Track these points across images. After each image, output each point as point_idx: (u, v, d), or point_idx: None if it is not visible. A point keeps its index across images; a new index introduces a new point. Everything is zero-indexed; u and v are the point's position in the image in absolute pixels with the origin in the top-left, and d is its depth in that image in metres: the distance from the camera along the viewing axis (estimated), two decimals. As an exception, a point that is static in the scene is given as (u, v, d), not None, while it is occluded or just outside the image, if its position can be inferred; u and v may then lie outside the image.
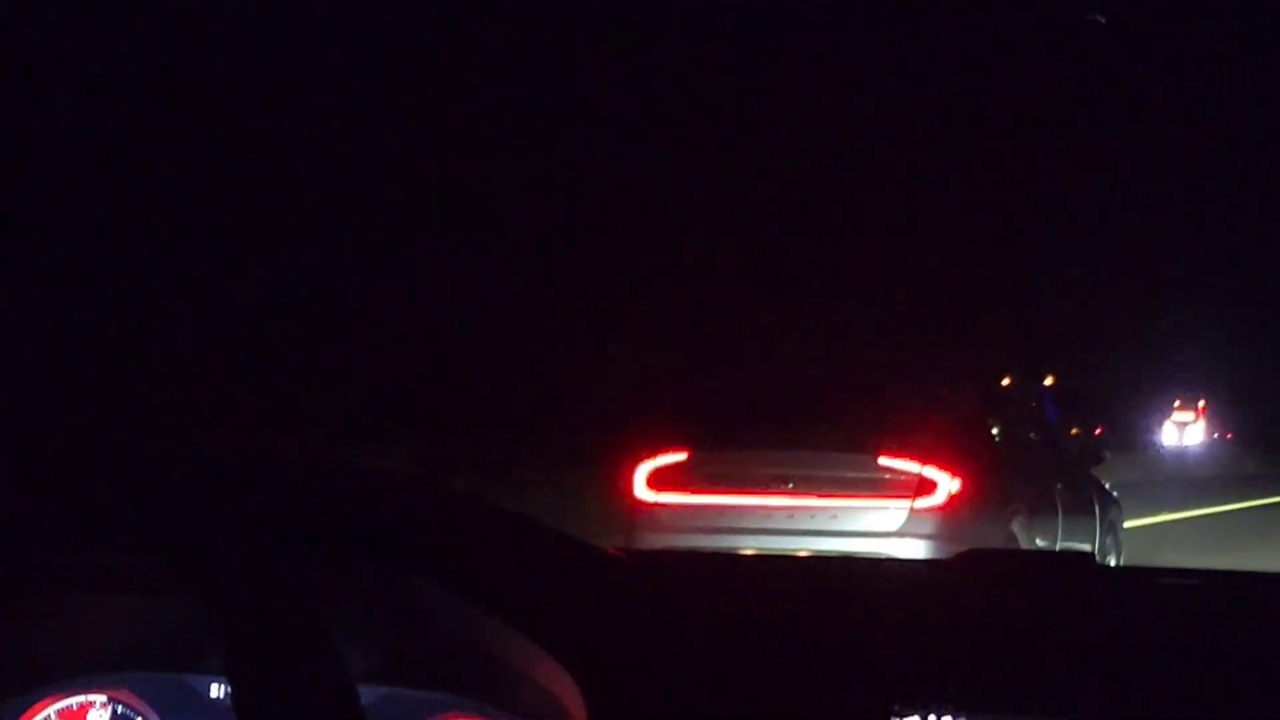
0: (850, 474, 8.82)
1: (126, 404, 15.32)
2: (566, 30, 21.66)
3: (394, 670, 1.72)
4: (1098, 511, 10.85)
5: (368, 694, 1.61)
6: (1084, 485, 10.89)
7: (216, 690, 1.82)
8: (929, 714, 1.47)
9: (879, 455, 8.80)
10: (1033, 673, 1.53)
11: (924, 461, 8.76)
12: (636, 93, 21.88)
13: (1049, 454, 10.66)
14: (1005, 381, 14.46)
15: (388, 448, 15.61)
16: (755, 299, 22.27)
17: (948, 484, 8.73)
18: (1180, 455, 32.96)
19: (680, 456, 9.10)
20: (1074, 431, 14.34)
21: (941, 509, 8.67)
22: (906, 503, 8.69)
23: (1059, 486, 10.07)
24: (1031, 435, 10.79)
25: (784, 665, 1.54)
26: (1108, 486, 11.66)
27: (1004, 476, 9.37)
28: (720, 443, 9.36)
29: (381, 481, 1.71)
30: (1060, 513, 9.92)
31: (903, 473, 8.76)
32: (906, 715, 1.47)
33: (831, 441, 9.07)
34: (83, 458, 1.60)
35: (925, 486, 8.72)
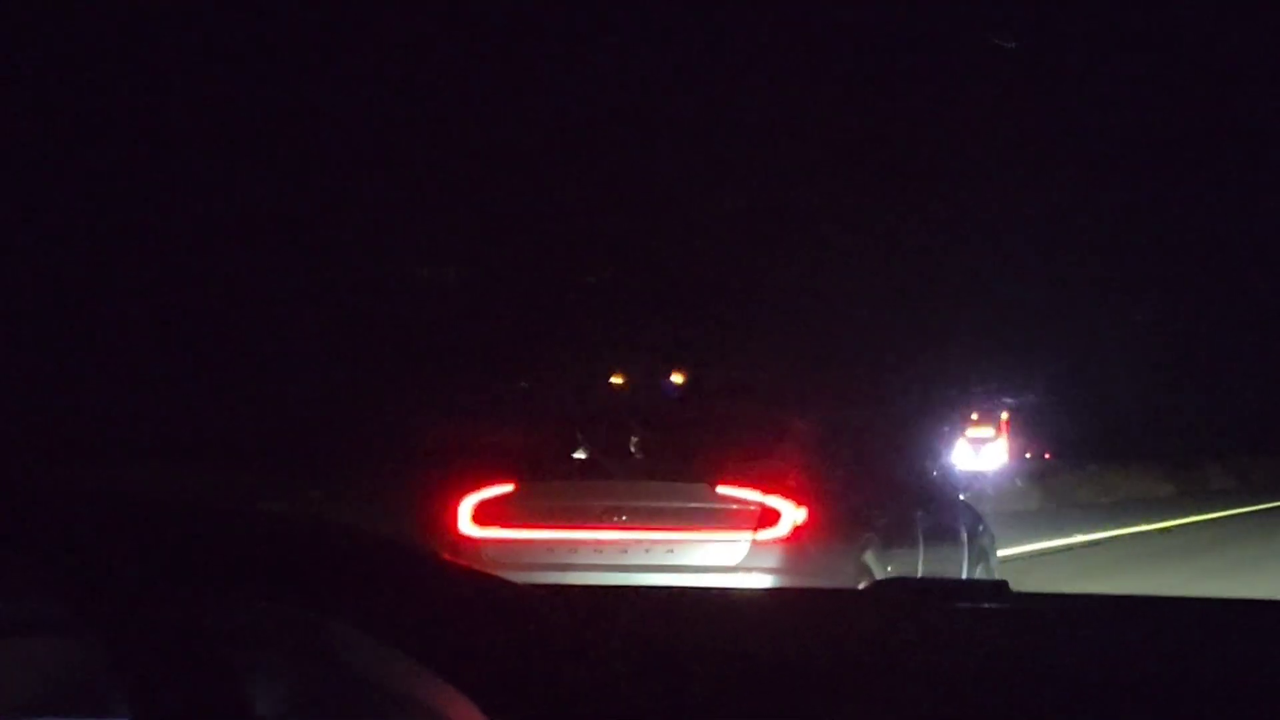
0: (686, 505, 8.38)
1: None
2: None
3: (299, 709, 1.69)
4: (965, 539, 10.42)
5: (273, 734, 1.58)
6: (951, 511, 10.48)
7: None
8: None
9: (717, 484, 8.40)
10: (951, 698, 1.53)
11: (767, 490, 8.37)
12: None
13: (911, 478, 10.27)
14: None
15: (183, 473, 15.07)
16: (586, 319, 21.83)
17: (792, 514, 8.34)
18: (974, 480, 30.25)
19: (506, 489, 8.72)
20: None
21: (785, 541, 8.29)
22: (748, 535, 8.28)
23: (920, 514, 9.67)
24: (892, 459, 10.32)
25: (692, 693, 1.53)
26: (980, 512, 11.34)
27: (856, 504, 9.02)
28: (548, 473, 8.98)
29: (284, 522, 1.69)
30: (921, 542, 9.54)
31: (743, 502, 8.36)
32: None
33: (667, 470, 8.65)
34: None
35: (768, 517, 8.32)
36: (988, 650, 1.66)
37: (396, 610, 1.60)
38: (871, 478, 9.52)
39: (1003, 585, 1.77)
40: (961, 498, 10.94)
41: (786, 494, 8.33)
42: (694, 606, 1.84)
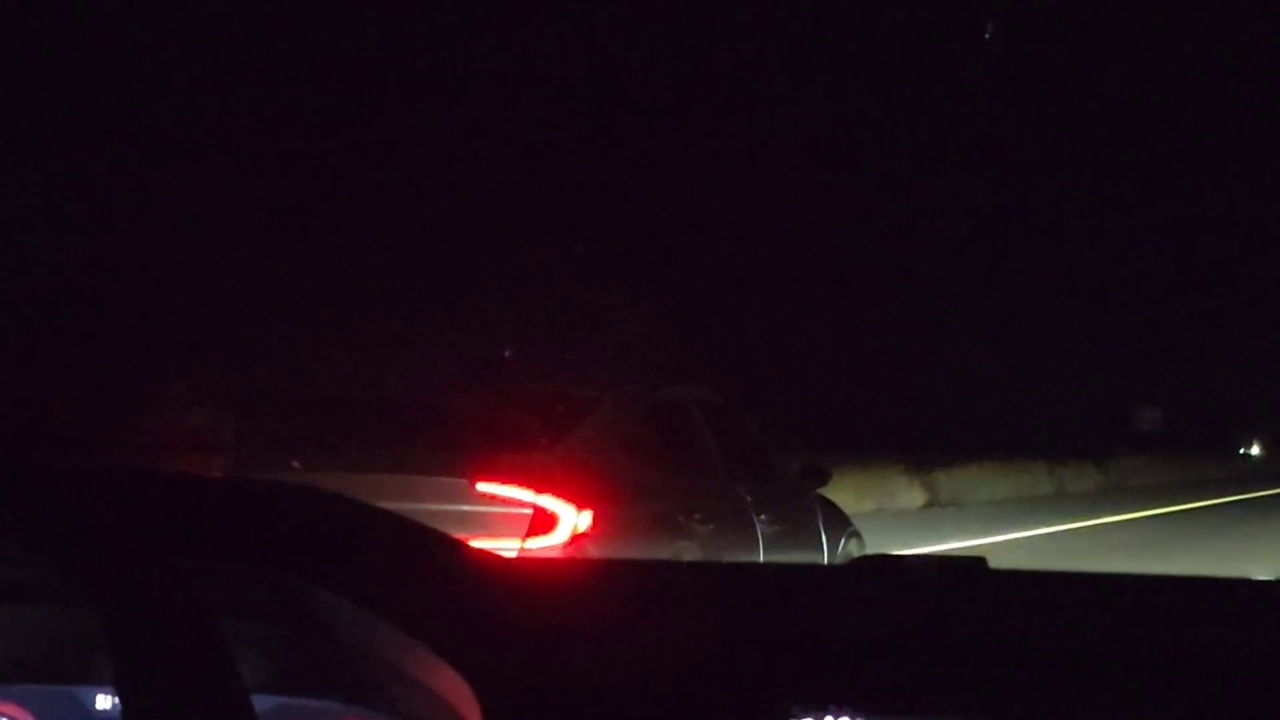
0: (439, 506, 6.77)
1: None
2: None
3: (288, 679, 1.72)
4: (825, 545, 9.16)
5: (261, 703, 1.61)
6: (806, 512, 9.17)
7: (103, 702, 1.81)
8: (827, 715, 1.50)
9: (477, 480, 6.91)
10: (929, 673, 1.57)
11: (540, 488, 6.91)
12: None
13: (748, 473, 8.74)
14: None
15: None
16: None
17: (573, 518, 6.91)
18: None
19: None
20: None
21: (563, 551, 6.84)
22: (514, 543, 6.78)
23: (763, 516, 8.34)
24: (720, 451, 8.63)
25: (678, 667, 1.56)
26: (843, 513, 10.01)
27: (665, 505, 7.58)
28: (275, 466, 7.32)
29: (277, 492, 1.71)
30: (762, 548, 8.26)
31: (510, 503, 6.90)
32: (804, 716, 1.49)
33: (417, 463, 7.09)
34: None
35: (541, 522, 6.87)
36: (966, 627, 1.70)
37: (386, 581, 1.63)
38: (689, 473, 8.17)
39: (980, 561, 1.81)
40: (821, 495, 9.57)
41: (566, 493, 6.89)
42: (675, 579, 1.88)
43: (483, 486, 6.89)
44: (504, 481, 6.90)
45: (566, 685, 1.56)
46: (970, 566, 1.81)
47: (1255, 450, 47.59)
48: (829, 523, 9.37)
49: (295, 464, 7.13)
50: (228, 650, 1.41)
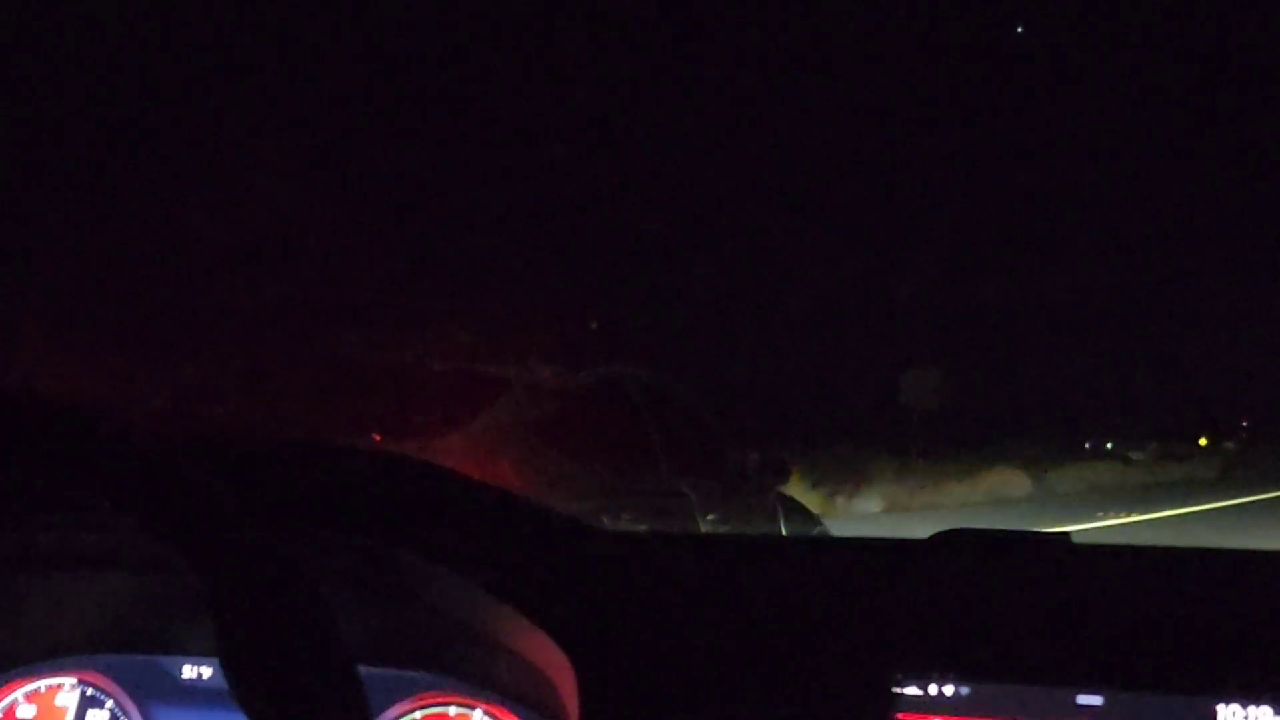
0: None
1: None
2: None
3: (386, 648, 1.74)
4: None
5: (360, 672, 1.62)
6: (764, 513, 8.33)
7: (190, 671, 1.84)
8: (930, 684, 1.51)
9: None
10: (1023, 642, 1.58)
11: None
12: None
13: (700, 468, 7.95)
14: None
15: None
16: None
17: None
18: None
19: None
20: None
21: None
22: None
23: (710, 517, 7.53)
24: (666, 441, 7.78)
25: (778, 640, 1.58)
26: (811, 513, 9.23)
27: (587, 505, 6.76)
28: None
29: (366, 457, 1.72)
30: None
31: None
32: (909, 685, 1.51)
33: None
34: (72, 432, 1.59)
35: None
36: (1054, 598, 1.71)
37: (483, 550, 1.64)
38: (620, 467, 7.48)
39: (1065, 537, 1.82)
40: (783, 494, 8.83)
41: None
42: (765, 554, 1.89)
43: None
44: None
45: (665, 657, 1.57)
46: (1056, 541, 1.82)
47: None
48: (792, 523, 8.48)
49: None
50: (332, 618, 1.42)
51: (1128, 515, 22.27)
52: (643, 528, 6.52)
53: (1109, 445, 37.24)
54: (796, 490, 9.47)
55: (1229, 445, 42.59)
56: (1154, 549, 1.83)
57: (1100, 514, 22.19)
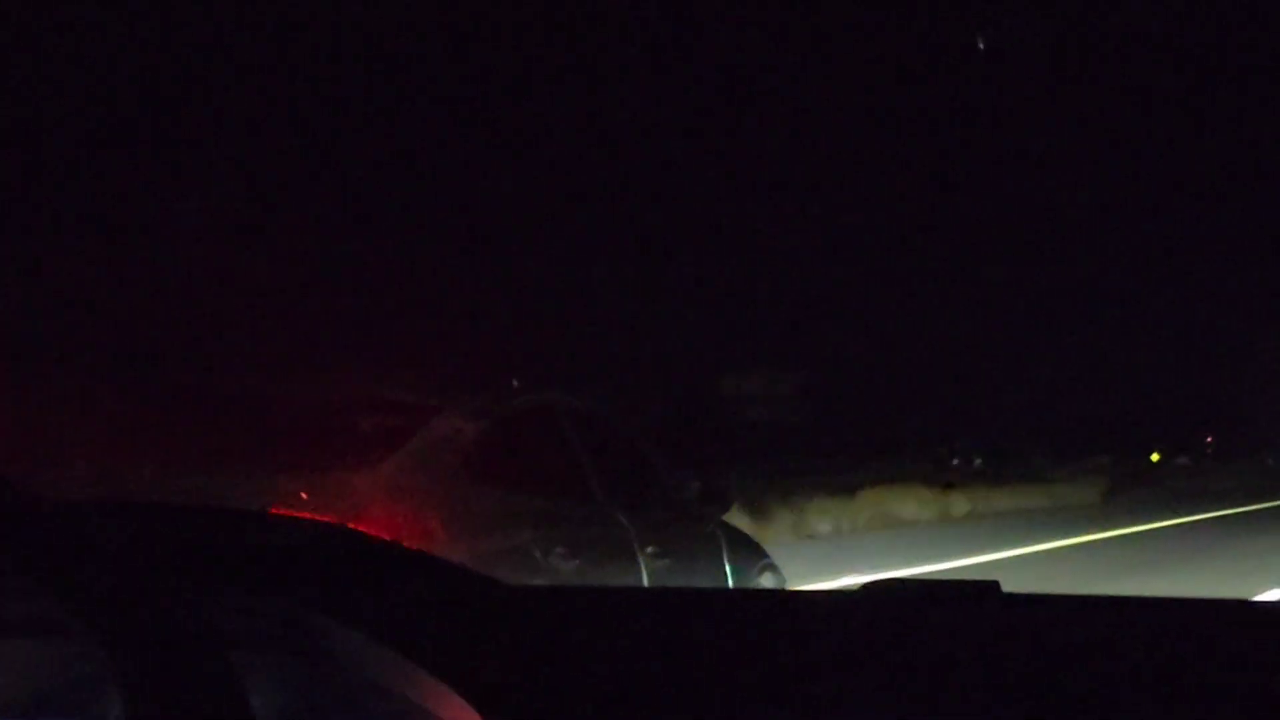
0: None
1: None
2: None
3: (298, 710, 1.69)
4: (732, 579, 7.95)
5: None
6: (707, 542, 7.98)
7: None
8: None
9: (270, 508, 5.57)
10: (956, 691, 1.56)
11: (347, 519, 5.62)
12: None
13: (639, 498, 7.61)
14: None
15: None
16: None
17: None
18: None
19: None
20: None
21: None
22: None
23: (649, 549, 7.17)
24: (602, 470, 7.41)
25: (689, 693, 1.55)
26: (755, 543, 8.82)
27: (518, 538, 6.45)
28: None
29: (281, 521, 1.69)
30: (646, 585, 7.11)
31: None
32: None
33: (216, 483, 5.85)
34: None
35: None
36: (980, 651, 1.69)
37: (392, 609, 1.61)
38: (553, 497, 7.04)
39: (994, 585, 1.80)
40: (727, 523, 8.44)
41: (380, 525, 5.75)
42: (688, 606, 1.87)
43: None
44: (302, 510, 5.57)
45: (575, 713, 1.54)
46: (985, 590, 1.80)
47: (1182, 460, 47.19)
48: (737, 555, 8.13)
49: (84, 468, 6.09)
50: (240, 684, 1.38)
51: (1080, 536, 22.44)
52: (576, 562, 6.49)
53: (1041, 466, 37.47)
54: (741, 518, 9.17)
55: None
56: (1082, 597, 1.81)
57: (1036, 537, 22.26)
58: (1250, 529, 25.87)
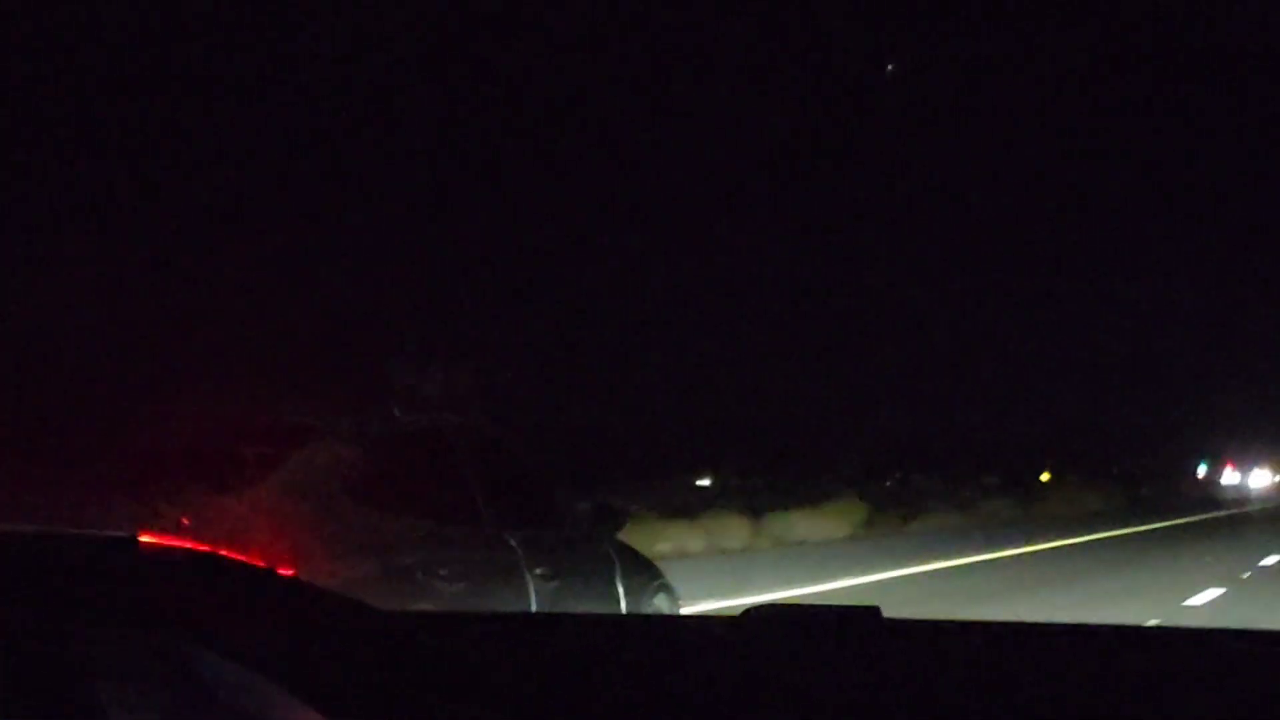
0: None
1: None
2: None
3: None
4: (624, 599, 7.76)
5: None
6: (599, 562, 7.80)
7: None
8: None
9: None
10: (834, 713, 1.56)
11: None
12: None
13: (528, 518, 7.45)
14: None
15: None
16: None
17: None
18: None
19: None
20: None
21: None
22: None
23: (539, 570, 7.05)
24: (490, 491, 7.25)
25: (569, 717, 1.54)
26: (649, 561, 8.58)
27: (399, 560, 6.28)
28: None
29: (150, 549, 1.66)
30: (535, 607, 6.95)
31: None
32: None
33: (89, 510, 5.65)
34: None
35: None
36: (859, 676, 1.69)
37: (263, 637, 1.58)
38: (438, 519, 6.90)
39: (875, 611, 1.81)
40: (621, 542, 8.20)
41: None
42: (566, 632, 1.85)
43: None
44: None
45: None
46: (864, 615, 1.81)
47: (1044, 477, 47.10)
48: (629, 574, 7.95)
49: None
50: (103, 711, 1.36)
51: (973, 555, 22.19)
52: (461, 585, 6.42)
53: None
54: (637, 537, 9.01)
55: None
56: (958, 623, 1.82)
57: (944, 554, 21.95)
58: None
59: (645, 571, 8.27)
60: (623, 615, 4.91)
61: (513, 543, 7.05)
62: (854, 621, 1.80)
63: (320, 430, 6.51)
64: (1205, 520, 34.67)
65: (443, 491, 7.00)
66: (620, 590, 7.70)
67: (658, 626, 1.89)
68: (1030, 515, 34.02)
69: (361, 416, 6.97)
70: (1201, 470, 63.13)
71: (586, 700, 1.63)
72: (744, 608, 1.86)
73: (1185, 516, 35.11)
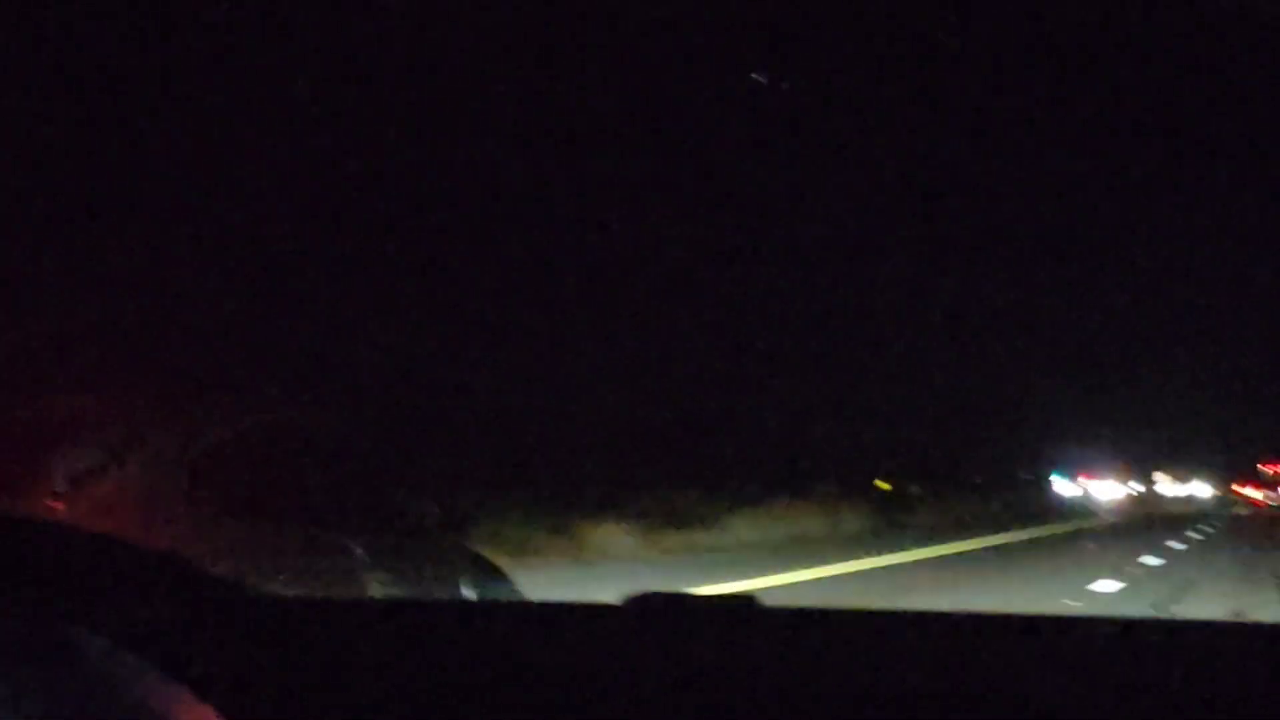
0: None
1: None
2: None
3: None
4: None
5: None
6: (445, 569, 7.67)
7: None
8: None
9: None
10: (704, 710, 1.59)
11: None
12: None
13: (370, 523, 7.20)
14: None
15: None
16: None
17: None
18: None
19: None
20: None
21: None
22: None
23: (380, 576, 6.91)
24: (329, 493, 7.10)
25: (450, 705, 1.55)
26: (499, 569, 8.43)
27: (228, 566, 5.18)
28: None
29: (33, 526, 1.65)
30: None
31: None
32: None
33: None
34: None
35: None
36: (737, 663, 1.73)
37: (141, 616, 1.58)
38: (271, 523, 6.69)
39: (752, 599, 1.84)
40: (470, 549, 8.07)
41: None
42: (451, 618, 1.87)
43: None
44: None
45: None
46: (741, 604, 1.84)
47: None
48: (479, 582, 7.77)
49: None
50: None
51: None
52: (297, 591, 5.92)
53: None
54: (485, 543, 8.84)
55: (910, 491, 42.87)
56: (835, 610, 1.86)
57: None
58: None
59: (494, 578, 8.06)
60: (503, 602, 4.82)
61: (353, 547, 6.89)
62: (730, 608, 1.84)
63: (149, 430, 6.29)
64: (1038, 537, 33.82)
65: (279, 494, 6.83)
66: (466, 596, 7.35)
67: (536, 611, 1.91)
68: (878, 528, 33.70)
69: (190, 415, 6.75)
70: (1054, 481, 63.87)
71: (462, 686, 1.65)
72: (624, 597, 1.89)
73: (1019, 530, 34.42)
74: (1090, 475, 67.38)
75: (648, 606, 1.82)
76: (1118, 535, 34.33)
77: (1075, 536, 34.00)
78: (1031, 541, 31.22)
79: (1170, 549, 26.30)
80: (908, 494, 43.26)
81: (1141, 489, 76.48)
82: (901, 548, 25.84)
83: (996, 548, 29.39)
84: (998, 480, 55.29)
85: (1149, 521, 44.00)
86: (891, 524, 35.29)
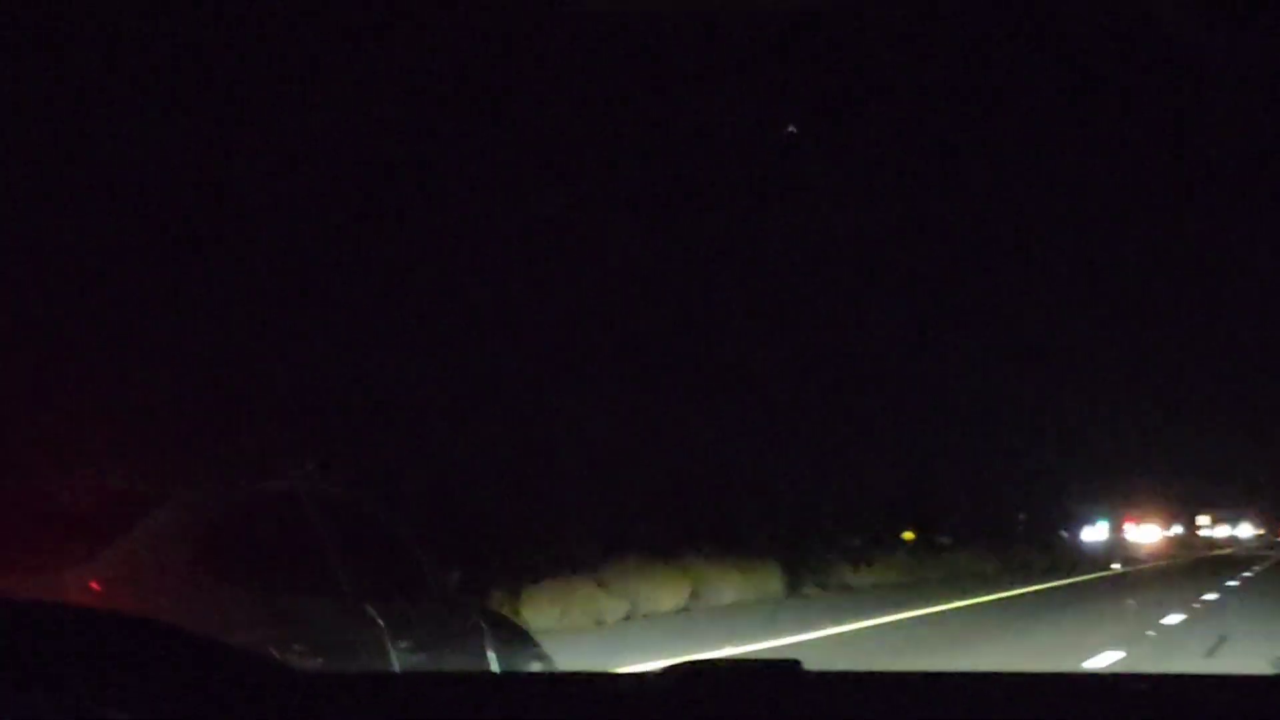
0: None
1: None
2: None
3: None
4: (497, 670, 7.59)
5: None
6: (468, 634, 7.62)
7: None
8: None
9: None
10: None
11: None
12: None
13: (393, 589, 7.21)
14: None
15: None
16: None
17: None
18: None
19: None
20: None
21: None
22: None
23: (403, 644, 6.83)
24: (352, 560, 6.96)
25: None
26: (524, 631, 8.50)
27: (251, 635, 5.70)
28: None
29: (59, 613, 1.62)
30: None
31: None
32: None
33: None
34: None
35: None
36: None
37: (174, 698, 1.55)
38: (294, 590, 6.63)
39: (796, 664, 1.81)
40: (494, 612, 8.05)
41: None
42: (482, 691, 1.84)
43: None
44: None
45: None
46: (785, 669, 1.81)
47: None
48: (502, 645, 7.71)
49: None
50: None
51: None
52: (318, 661, 5.94)
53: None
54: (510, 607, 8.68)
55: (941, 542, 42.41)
56: (879, 674, 1.83)
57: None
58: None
59: (518, 640, 8.12)
60: (542, 673, 4.71)
61: (374, 614, 6.84)
62: (772, 674, 1.80)
63: (165, 497, 6.24)
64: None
65: (299, 561, 6.76)
66: (492, 660, 7.50)
67: (579, 684, 1.87)
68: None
69: (209, 482, 6.70)
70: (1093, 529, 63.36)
71: None
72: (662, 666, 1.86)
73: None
74: (1132, 519, 67.20)
75: (685, 674, 1.78)
76: (1148, 584, 33.63)
77: (1097, 587, 33.18)
78: (1043, 593, 30.28)
79: (1204, 601, 25.53)
80: (936, 544, 42.82)
81: (1181, 530, 76.58)
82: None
83: (1004, 602, 28.47)
84: (1028, 530, 54.79)
85: (1188, 568, 43.48)
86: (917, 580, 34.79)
